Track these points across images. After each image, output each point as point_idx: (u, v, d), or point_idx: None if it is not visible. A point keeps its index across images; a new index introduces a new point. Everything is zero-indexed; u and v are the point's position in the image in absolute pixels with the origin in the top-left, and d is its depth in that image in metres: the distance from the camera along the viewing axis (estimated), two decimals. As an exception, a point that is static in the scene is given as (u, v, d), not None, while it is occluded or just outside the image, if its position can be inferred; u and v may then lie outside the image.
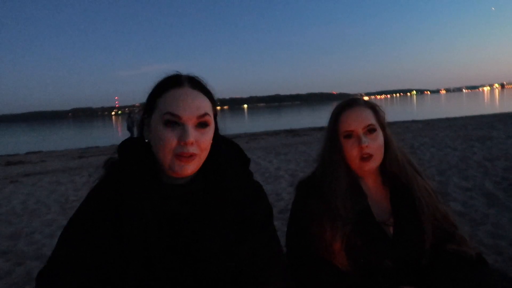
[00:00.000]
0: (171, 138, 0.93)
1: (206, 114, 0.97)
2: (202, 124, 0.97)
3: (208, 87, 1.03)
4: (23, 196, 6.61)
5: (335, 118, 1.30)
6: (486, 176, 5.25)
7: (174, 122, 0.94)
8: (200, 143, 0.96)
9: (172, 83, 0.98)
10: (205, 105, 0.98)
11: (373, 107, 1.32)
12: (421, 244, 1.22)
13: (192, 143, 0.93)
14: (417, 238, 1.23)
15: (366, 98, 1.67)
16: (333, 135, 1.29)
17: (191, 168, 0.95)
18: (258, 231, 1.03)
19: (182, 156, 0.93)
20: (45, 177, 8.67)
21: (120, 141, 1.09)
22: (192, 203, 1.01)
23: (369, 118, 1.27)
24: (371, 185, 1.33)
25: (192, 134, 0.93)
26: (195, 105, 0.95)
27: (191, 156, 0.94)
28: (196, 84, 1.00)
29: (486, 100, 57.32)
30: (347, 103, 1.31)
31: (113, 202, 0.97)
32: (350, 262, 1.20)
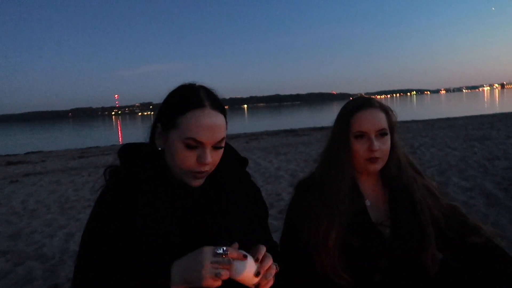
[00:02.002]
0: (190, 158, 1.01)
1: (223, 138, 1.05)
2: (218, 147, 1.05)
3: (221, 100, 1.08)
4: (23, 196, 6.61)
5: (348, 116, 1.28)
6: (486, 176, 5.26)
7: (195, 145, 1.01)
8: (214, 160, 1.04)
9: (194, 103, 1.01)
10: (223, 129, 1.05)
11: (386, 111, 1.31)
12: (422, 246, 1.22)
13: (209, 163, 1.02)
14: (416, 239, 1.23)
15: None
16: (343, 133, 1.28)
17: (202, 181, 1.06)
18: (259, 230, 1.13)
19: (197, 174, 1.03)
20: (45, 177, 8.68)
21: (122, 143, 1.11)
22: (200, 200, 1.08)
23: (383, 122, 1.26)
24: (370, 186, 1.33)
25: (210, 155, 1.02)
26: (216, 131, 1.02)
27: (205, 172, 1.04)
28: (215, 103, 1.04)
29: (486, 100, 57.30)
30: (362, 103, 1.28)
31: (125, 207, 1.01)
32: (344, 261, 1.20)
